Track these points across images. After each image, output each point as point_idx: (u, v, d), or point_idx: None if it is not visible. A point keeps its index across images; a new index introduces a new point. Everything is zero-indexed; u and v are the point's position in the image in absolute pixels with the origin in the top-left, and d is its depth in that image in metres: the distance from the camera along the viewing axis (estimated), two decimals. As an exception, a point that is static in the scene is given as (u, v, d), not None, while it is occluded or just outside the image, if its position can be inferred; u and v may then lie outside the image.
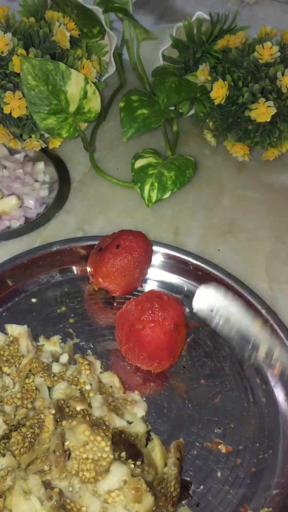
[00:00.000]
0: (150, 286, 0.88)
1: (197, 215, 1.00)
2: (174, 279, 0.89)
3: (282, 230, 0.99)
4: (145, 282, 0.89)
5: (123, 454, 0.64)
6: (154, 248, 0.89)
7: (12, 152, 1.04)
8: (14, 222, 0.94)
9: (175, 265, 0.89)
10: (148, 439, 0.70)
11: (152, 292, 0.78)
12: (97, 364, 0.75)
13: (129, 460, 0.64)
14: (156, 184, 0.97)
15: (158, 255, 0.90)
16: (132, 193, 1.01)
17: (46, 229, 0.93)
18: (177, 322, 0.74)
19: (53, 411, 0.66)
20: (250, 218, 1.01)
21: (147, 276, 0.89)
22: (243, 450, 0.71)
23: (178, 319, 0.75)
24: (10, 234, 0.91)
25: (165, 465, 0.67)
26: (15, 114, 0.93)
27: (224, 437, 0.72)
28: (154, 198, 0.97)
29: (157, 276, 0.89)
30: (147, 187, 0.97)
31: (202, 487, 0.68)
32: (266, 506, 0.67)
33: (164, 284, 0.89)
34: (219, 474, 0.69)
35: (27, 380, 0.70)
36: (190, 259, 0.89)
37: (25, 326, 0.75)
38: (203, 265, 0.88)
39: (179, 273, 0.89)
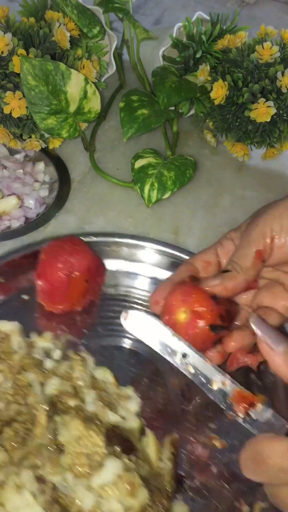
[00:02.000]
0: (149, 286, 0.89)
1: (197, 215, 1.00)
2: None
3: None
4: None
5: (117, 448, 0.64)
6: (154, 247, 0.89)
7: (12, 152, 1.05)
8: (14, 222, 0.94)
9: (175, 265, 0.89)
10: (142, 434, 0.70)
11: (75, 237, 0.82)
12: (90, 359, 0.75)
13: (123, 455, 0.64)
14: (156, 184, 0.97)
15: (158, 255, 0.90)
16: (132, 193, 1.01)
17: (46, 229, 0.93)
18: (76, 270, 0.78)
19: (46, 407, 0.66)
20: (250, 218, 1.01)
21: (147, 275, 0.89)
22: (238, 445, 0.70)
23: (78, 268, 0.78)
24: (10, 234, 0.92)
25: (160, 460, 0.67)
26: (15, 114, 0.93)
27: (219, 432, 0.72)
28: (154, 198, 0.97)
29: (157, 276, 0.89)
30: (147, 187, 0.97)
31: (197, 482, 0.68)
32: (261, 501, 0.66)
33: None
34: (214, 469, 0.69)
35: (19, 376, 0.70)
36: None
37: (16, 323, 0.75)
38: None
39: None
